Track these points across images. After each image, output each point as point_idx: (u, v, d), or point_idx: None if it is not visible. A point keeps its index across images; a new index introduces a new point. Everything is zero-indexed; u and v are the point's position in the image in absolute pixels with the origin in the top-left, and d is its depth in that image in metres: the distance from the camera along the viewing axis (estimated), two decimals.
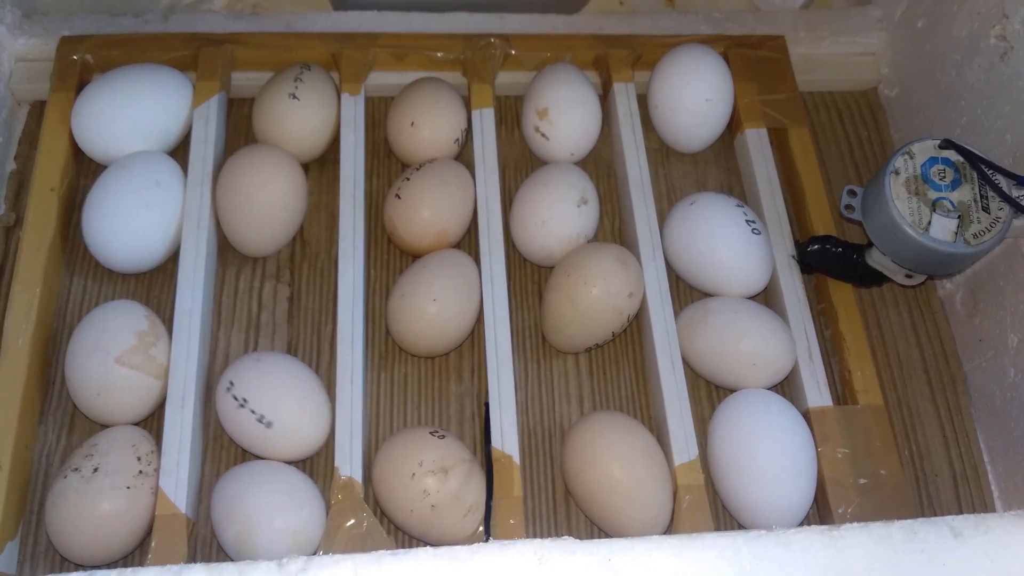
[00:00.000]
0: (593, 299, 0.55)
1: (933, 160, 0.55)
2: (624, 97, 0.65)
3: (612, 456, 0.52)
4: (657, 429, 0.57)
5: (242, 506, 0.49)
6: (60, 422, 0.55)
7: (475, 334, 0.59)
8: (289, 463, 0.53)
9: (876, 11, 0.73)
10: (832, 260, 0.59)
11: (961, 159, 0.55)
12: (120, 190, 0.57)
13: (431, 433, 0.52)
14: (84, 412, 0.54)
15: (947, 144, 0.55)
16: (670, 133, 0.66)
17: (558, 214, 0.59)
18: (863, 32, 0.72)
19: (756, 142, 0.65)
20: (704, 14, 0.72)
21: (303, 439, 0.53)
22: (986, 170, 0.54)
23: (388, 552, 0.33)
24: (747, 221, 0.60)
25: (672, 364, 0.56)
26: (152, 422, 0.55)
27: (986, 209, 0.54)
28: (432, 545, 0.44)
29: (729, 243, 0.59)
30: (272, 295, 0.60)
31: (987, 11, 0.60)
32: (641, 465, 0.52)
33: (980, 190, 0.54)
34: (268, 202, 0.58)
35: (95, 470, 0.50)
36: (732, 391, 0.57)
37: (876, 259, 0.58)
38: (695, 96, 0.64)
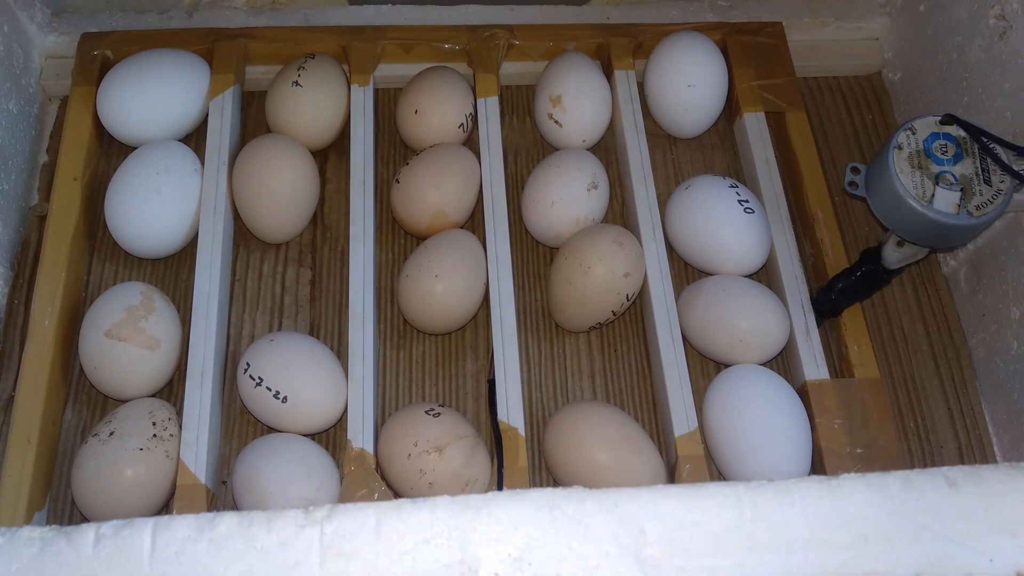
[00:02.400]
0: (591, 279, 0.57)
1: (935, 135, 0.57)
2: (625, 84, 0.67)
3: (594, 444, 0.54)
4: (658, 402, 0.59)
5: (258, 476, 0.52)
6: (85, 400, 0.58)
7: (489, 313, 0.61)
8: (308, 436, 0.56)
9: None
10: (857, 286, 0.59)
11: (962, 134, 0.56)
12: (140, 178, 0.60)
13: (427, 412, 0.54)
14: (97, 388, 0.57)
15: (948, 119, 0.57)
16: (662, 118, 0.68)
17: (568, 196, 0.61)
18: (866, 17, 0.73)
19: (754, 126, 0.66)
20: (709, 2, 0.73)
21: (319, 412, 0.55)
22: (986, 142, 0.55)
23: (408, 500, 0.35)
24: (739, 201, 0.61)
25: (672, 339, 0.58)
26: (178, 397, 0.58)
27: (987, 182, 0.55)
28: None
29: (724, 223, 0.61)
30: (295, 279, 0.62)
31: None
32: (625, 449, 0.54)
33: (981, 163, 0.56)
34: (279, 189, 0.60)
35: (111, 434, 0.52)
36: (728, 366, 0.59)
37: (891, 256, 0.59)
38: (679, 82, 0.66)
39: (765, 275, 0.64)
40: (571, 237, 0.60)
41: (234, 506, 0.54)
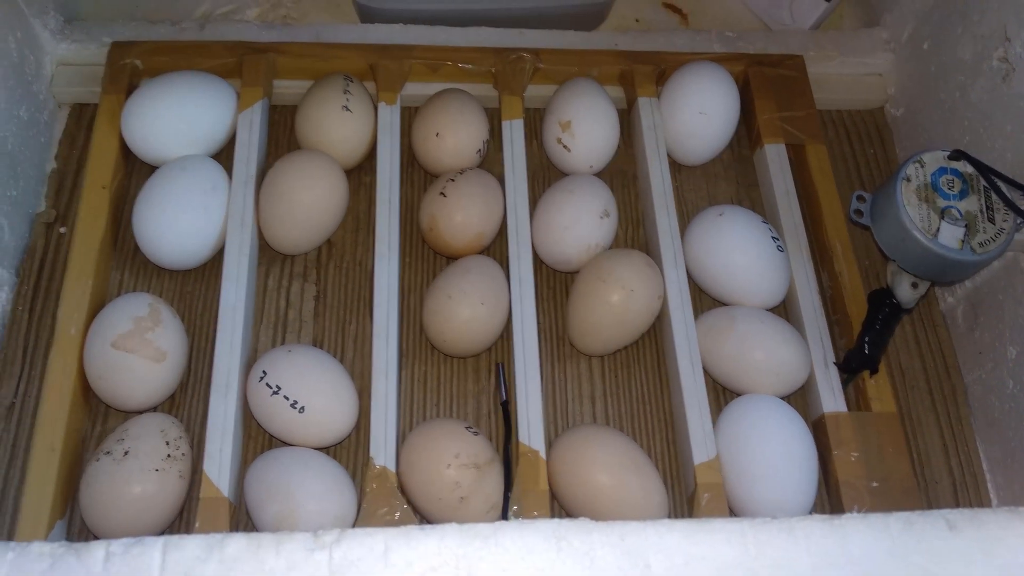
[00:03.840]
0: (630, 302, 0.58)
1: (942, 170, 0.58)
2: (648, 111, 0.68)
3: (598, 467, 0.54)
4: (675, 429, 0.59)
5: (282, 488, 0.52)
6: (97, 409, 0.58)
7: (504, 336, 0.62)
8: (318, 449, 0.56)
9: (884, 33, 0.75)
10: (883, 333, 0.60)
11: (969, 171, 0.57)
12: (172, 192, 0.60)
13: (467, 428, 0.55)
14: (100, 398, 0.57)
15: (957, 155, 0.58)
16: (670, 144, 0.69)
17: (581, 223, 0.62)
18: (871, 53, 0.75)
19: (775, 157, 0.67)
20: (717, 33, 0.74)
21: (333, 425, 0.55)
22: (994, 179, 0.56)
23: (416, 527, 0.35)
24: (772, 238, 0.62)
25: (692, 366, 0.58)
26: (181, 410, 0.58)
27: (991, 220, 0.56)
28: None
29: (755, 257, 0.61)
30: (300, 294, 0.63)
31: (990, 34, 0.62)
32: (629, 472, 0.54)
33: (986, 201, 0.57)
34: (311, 203, 0.61)
35: (126, 453, 0.52)
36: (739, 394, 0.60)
37: (907, 296, 0.59)
38: (689, 108, 0.67)
39: (783, 306, 0.64)
40: (599, 261, 0.61)
41: (248, 519, 0.54)
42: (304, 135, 0.65)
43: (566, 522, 0.36)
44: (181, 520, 0.54)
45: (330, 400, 0.55)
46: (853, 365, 0.59)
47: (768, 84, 0.70)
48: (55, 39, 0.68)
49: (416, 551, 0.34)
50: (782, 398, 0.59)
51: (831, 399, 0.59)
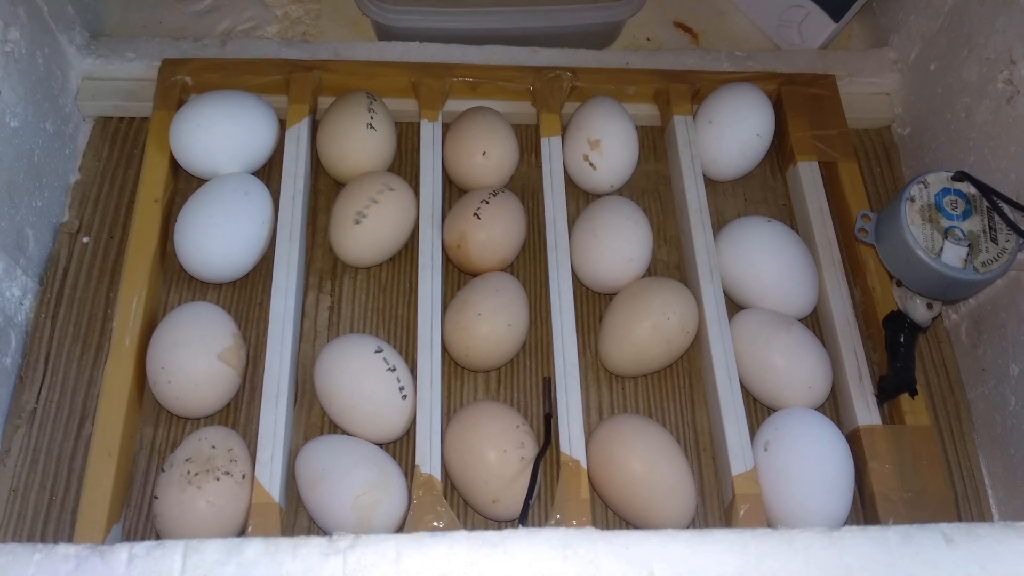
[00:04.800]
0: (676, 327, 0.60)
1: (946, 191, 0.59)
2: (684, 129, 0.69)
3: (633, 454, 0.56)
4: (713, 440, 0.61)
5: (331, 476, 0.54)
6: (154, 416, 0.60)
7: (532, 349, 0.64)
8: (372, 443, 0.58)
9: (891, 53, 0.76)
10: (909, 356, 0.61)
11: (972, 192, 0.58)
12: (212, 210, 0.62)
13: (518, 427, 0.57)
14: (173, 405, 0.58)
15: (960, 176, 0.59)
16: (707, 162, 0.70)
17: (625, 244, 0.64)
18: (879, 73, 0.76)
19: (808, 174, 0.69)
20: (727, 52, 0.75)
21: (395, 421, 0.58)
22: (996, 201, 0.57)
23: (427, 534, 0.36)
24: (799, 247, 0.65)
25: (729, 378, 0.59)
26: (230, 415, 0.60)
27: (994, 240, 0.57)
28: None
29: (784, 266, 0.63)
30: (315, 304, 0.64)
31: (996, 56, 0.63)
32: (661, 461, 0.56)
33: (989, 222, 0.58)
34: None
35: (197, 474, 0.53)
36: (771, 407, 0.62)
37: (924, 316, 0.61)
38: (738, 128, 0.68)
39: (815, 322, 0.66)
40: (637, 289, 0.62)
41: (295, 522, 0.56)
42: (328, 152, 0.66)
43: (572, 531, 0.37)
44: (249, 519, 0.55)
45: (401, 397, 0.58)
46: (891, 392, 0.60)
47: (801, 102, 0.71)
48: (81, 54, 0.70)
49: (427, 557, 0.36)
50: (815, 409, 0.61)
51: (866, 412, 0.60)
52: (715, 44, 0.81)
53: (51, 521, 0.56)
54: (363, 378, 0.57)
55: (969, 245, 0.57)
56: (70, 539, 0.54)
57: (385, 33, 0.75)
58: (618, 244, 0.63)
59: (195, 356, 0.57)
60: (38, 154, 0.63)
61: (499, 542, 0.36)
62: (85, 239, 0.65)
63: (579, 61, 0.74)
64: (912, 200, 0.58)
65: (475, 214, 0.63)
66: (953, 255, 0.56)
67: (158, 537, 0.54)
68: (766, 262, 0.63)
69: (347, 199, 0.63)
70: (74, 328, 0.62)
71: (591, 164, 0.67)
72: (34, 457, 0.57)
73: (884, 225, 0.60)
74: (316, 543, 0.36)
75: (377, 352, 0.57)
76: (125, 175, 0.68)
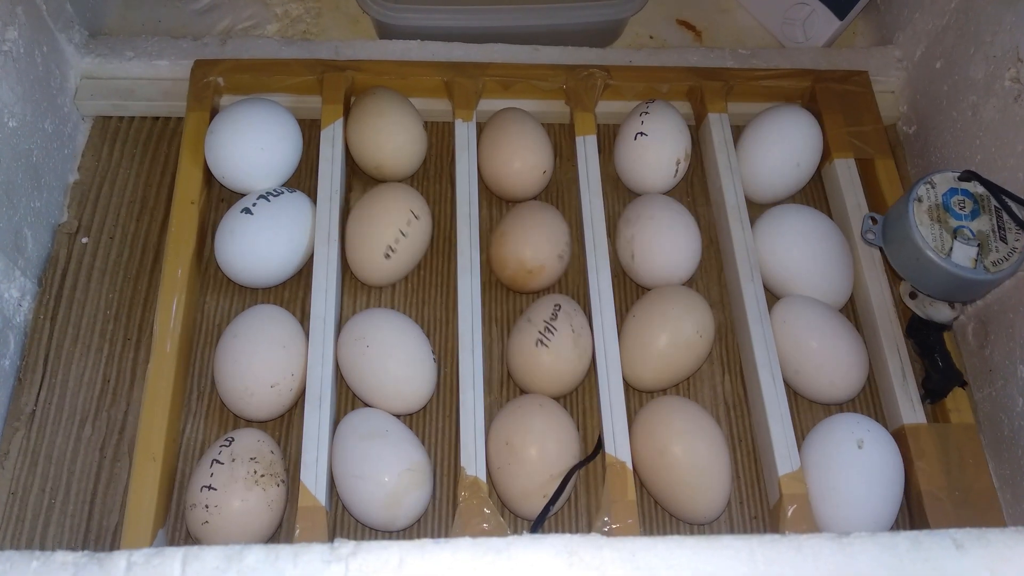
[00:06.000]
0: (691, 334, 0.60)
1: (953, 190, 0.58)
2: (719, 127, 0.69)
3: (673, 434, 0.56)
4: (757, 441, 0.60)
5: (363, 456, 0.54)
6: (195, 420, 0.59)
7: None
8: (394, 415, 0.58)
9: (896, 51, 0.76)
10: (946, 356, 0.61)
11: (979, 191, 0.58)
12: (253, 221, 0.61)
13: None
14: (236, 409, 0.58)
15: (967, 176, 0.58)
16: (752, 186, 0.69)
17: (677, 246, 0.64)
18: (884, 71, 0.75)
19: (845, 171, 0.68)
20: (730, 50, 0.75)
21: (416, 389, 0.58)
22: (1006, 199, 0.57)
23: (430, 540, 0.36)
24: (837, 235, 0.65)
25: (773, 378, 0.59)
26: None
27: (1003, 239, 0.56)
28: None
29: (819, 253, 0.63)
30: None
31: (1002, 55, 0.62)
32: (700, 443, 0.56)
33: (998, 221, 0.57)
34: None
35: (256, 467, 0.54)
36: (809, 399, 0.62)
37: (947, 316, 0.61)
38: (778, 154, 0.68)
39: (855, 319, 0.66)
40: (667, 299, 0.61)
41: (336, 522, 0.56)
42: (360, 149, 0.65)
43: (577, 537, 0.36)
44: (281, 530, 0.55)
45: (413, 366, 0.58)
46: (941, 392, 0.60)
47: (835, 99, 0.71)
48: (80, 53, 0.69)
49: (430, 564, 0.35)
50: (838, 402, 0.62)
51: (910, 411, 0.59)
52: (718, 42, 0.81)
53: (50, 524, 0.55)
54: (393, 337, 0.58)
55: (979, 245, 0.56)
56: (72, 543, 0.54)
57: (386, 31, 0.74)
58: (668, 246, 0.63)
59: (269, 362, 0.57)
60: (36, 154, 0.62)
61: (503, 548, 0.36)
62: (84, 240, 0.65)
63: (582, 59, 0.73)
64: (920, 200, 0.58)
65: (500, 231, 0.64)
66: (963, 255, 0.56)
67: (204, 524, 0.53)
68: (801, 248, 0.63)
69: (373, 231, 0.62)
70: (73, 329, 0.61)
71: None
72: (33, 460, 0.57)
73: (891, 226, 0.59)
74: (317, 550, 0.35)
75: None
76: (125, 175, 0.68)
